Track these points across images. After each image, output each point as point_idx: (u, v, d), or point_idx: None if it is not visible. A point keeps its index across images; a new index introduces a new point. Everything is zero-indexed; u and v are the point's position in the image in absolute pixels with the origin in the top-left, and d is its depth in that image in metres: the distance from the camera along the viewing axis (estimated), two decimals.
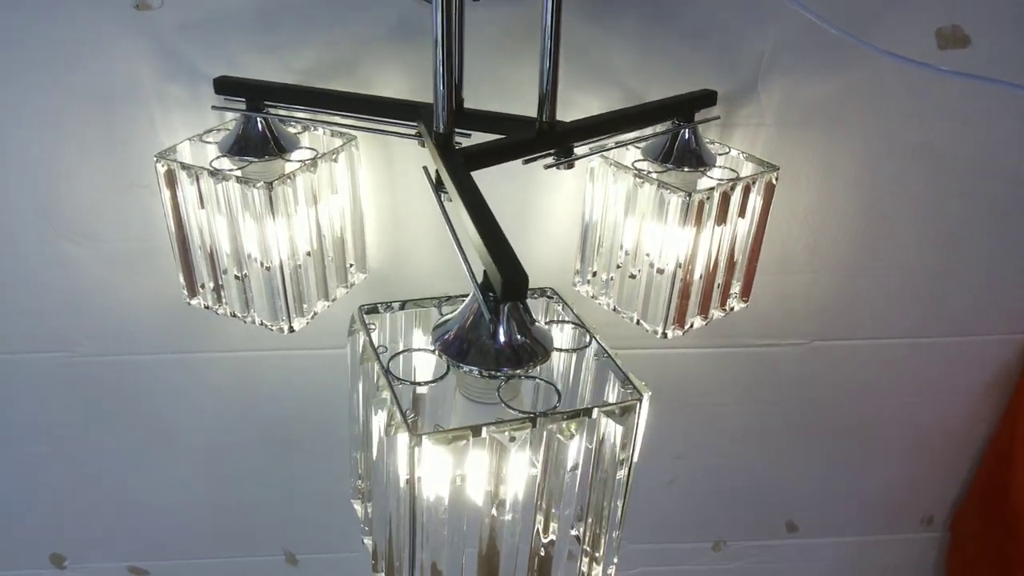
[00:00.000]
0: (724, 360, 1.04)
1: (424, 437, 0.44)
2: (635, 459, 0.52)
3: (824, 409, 1.11)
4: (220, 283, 0.78)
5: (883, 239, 0.97)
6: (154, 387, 1.00)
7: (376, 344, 0.55)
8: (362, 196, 0.84)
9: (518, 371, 0.49)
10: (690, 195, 0.74)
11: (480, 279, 0.50)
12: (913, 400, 1.12)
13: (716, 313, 0.84)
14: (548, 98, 0.65)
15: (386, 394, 0.48)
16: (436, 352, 0.51)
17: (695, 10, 0.81)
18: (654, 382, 1.03)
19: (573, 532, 0.54)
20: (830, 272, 0.98)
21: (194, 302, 0.81)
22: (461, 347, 0.50)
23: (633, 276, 0.82)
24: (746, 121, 0.87)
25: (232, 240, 0.75)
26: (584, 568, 0.55)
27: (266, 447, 1.07)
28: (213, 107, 0.76)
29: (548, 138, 0.66)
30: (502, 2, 0.77)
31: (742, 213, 0.80)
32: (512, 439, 0.45)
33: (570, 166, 0.69)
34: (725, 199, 0.76)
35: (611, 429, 0.51)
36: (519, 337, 0.49)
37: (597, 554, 0.54)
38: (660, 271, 0.78)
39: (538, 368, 0.51)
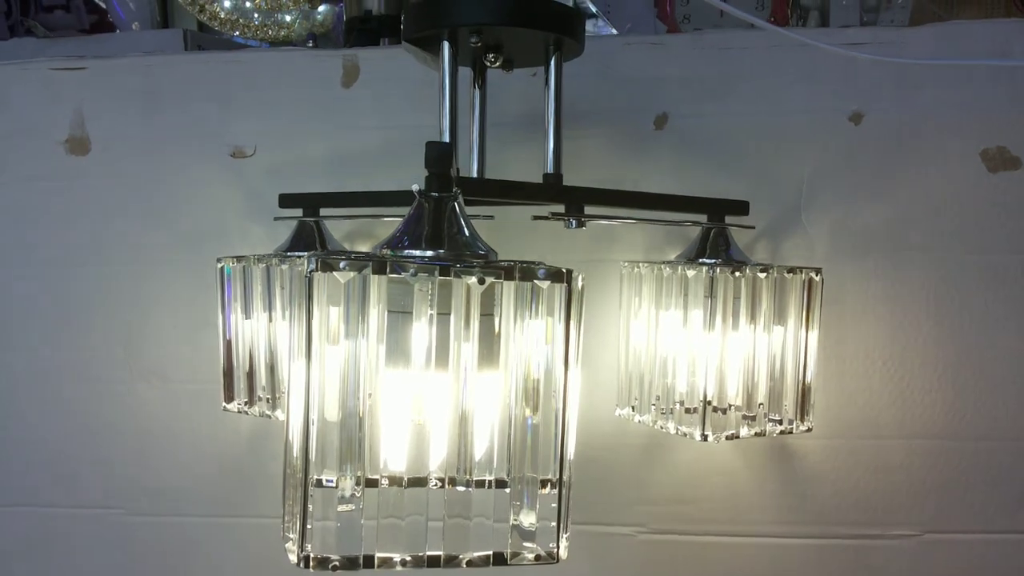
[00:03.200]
0: (821, 556, 0.88)
1: (323, 261, 0.42)
2: (570, 362, 0.45)
3: None
4: (256, 395, 0.80)
5: (987, 398, 0.85)
6: (199, 555, 0.96)
7: None
8: None
9: (440, 251, 0.47)
10: (714, 270, 0.71)
11: None
12: None
13: (771, 428, 0.75)
14: (553, 150, 0.69)
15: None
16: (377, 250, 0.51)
17: (726, 141, 0.85)
18: None
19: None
20: (928, 437, 0.86)
21: (230, 407, 0.82)
22: (394, 240, 0.49)
23: (664, 412, 0.77)
24: (794, 254, 0.85)
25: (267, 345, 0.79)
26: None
27: None
28: (275, 219, 0.84)
29: (554, 189, 0.69)
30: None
31: (781, 319, 0.75)
32: (414, 275, 0.42)
33: (580, 224, 0.70)
34: (755, 288, 0.73)
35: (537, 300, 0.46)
36: (445, 228, 0.49)
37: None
38: (689, 410, 0.75)
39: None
